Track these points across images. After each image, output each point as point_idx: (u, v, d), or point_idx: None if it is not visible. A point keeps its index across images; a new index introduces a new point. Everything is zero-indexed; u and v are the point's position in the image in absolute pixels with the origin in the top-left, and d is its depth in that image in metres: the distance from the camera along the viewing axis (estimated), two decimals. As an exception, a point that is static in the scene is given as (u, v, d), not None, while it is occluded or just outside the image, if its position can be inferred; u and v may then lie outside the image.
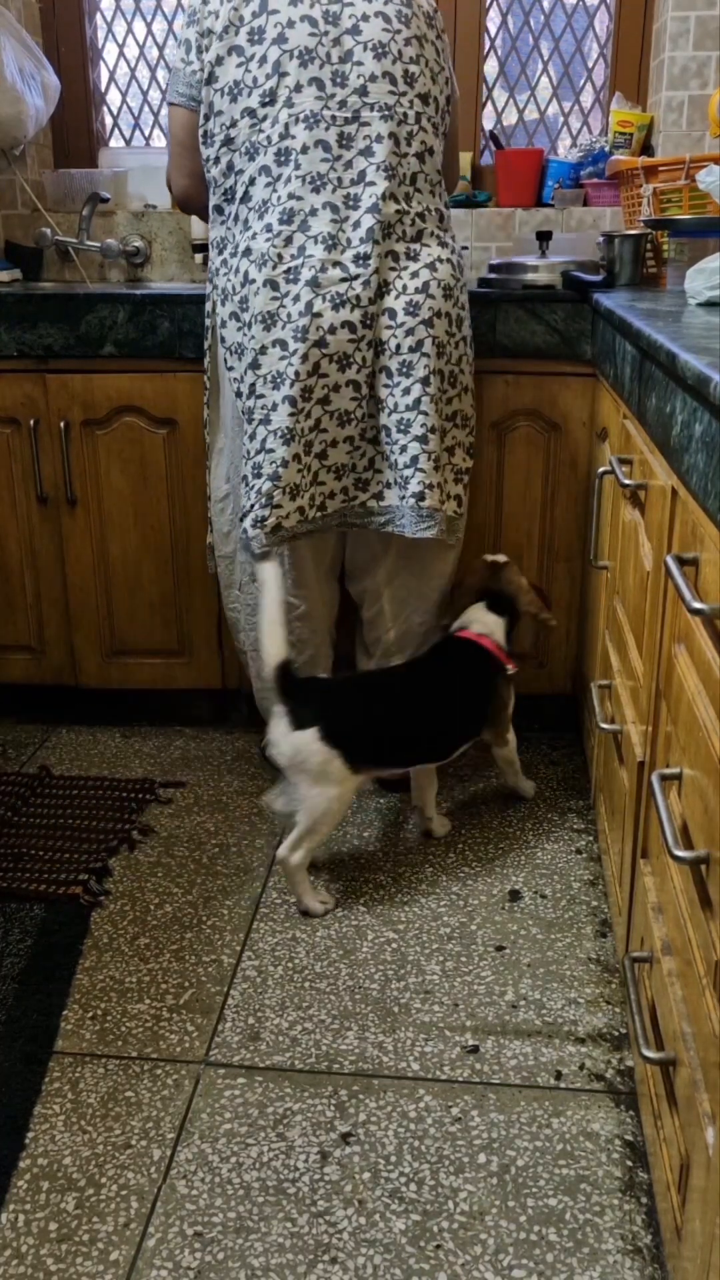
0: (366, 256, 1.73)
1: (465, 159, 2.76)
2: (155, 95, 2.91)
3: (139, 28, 2.87)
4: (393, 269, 1.76)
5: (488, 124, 2.82)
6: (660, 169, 2.21)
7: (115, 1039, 1.54)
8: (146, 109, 2.92)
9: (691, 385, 1.01)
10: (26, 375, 2.19)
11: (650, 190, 2.19)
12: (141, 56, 2.88)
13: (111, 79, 2.90)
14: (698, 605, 0.95)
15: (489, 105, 2.82)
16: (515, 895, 1.86)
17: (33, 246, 2.75)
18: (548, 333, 2.09)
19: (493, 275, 2.20)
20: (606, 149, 2.65)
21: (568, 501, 2.20)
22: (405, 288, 1.76)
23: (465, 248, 2.58)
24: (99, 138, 2.92)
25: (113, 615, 2.34)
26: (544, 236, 2.22)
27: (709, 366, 0.96)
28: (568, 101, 2.84)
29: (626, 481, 1.45)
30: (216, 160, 1.78)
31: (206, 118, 1.77)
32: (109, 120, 2.94)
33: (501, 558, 2.04)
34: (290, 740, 1.73)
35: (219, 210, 1.83)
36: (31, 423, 2.20)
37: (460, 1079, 1.46)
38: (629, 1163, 1.33)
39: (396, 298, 1.76)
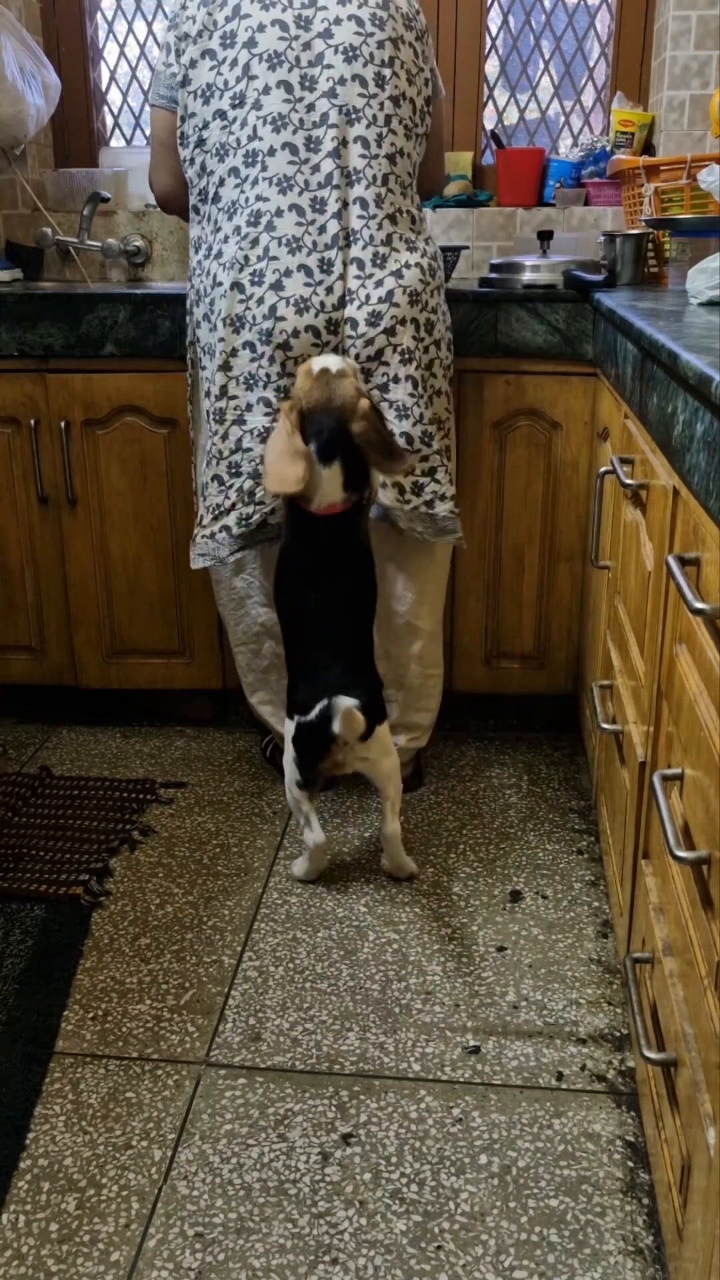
0: (331, 263, 1.74)
1: (466, 159, 2.76)
2: (156, 95, 2.90)
3: (139, 27, 2.87)
4: (357, 277, 1.75)
5: (489, 123, 2.82)
6: (661, 168, 2.21)
7: (116, 1039, 1.53)
8: (147, 108, 2.91)
9: (693, 385, 1.01)
10: (27, 375, 2.19)
11: (651, 190, 2.19)
12: (142, 56, 2.88)
13: (112, 78, 2.90)
14: (699, 605, 0.95)
15: (490, 105, 2.82)
16: (516, 896, 1.86)
17: (33, 246, 2.75)
18: (549, 332, 2.09)
19: (494, 275, 2.19)
20: (608, 148, 2.65)
21: (569, 501, 2.20)
22: (369, 297, 1.75)
23: (465, 247, 2.57)
24: (99, 137, 2.92)
25: (113, 615, 2.34)
26: (545, 236, 2.21)
27: (710, 366, 0.95)
28: (569, 101, 2.83)
29: (628, 481, 1.45)
30: (191, 161, 1.80)
31: (183, 119, 1.79)
32: (109, 120, 2.93)
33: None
34: (370, 748, 1.75)
35: (195, 210, 1.84)
36: (32, 422, 2.20)
37: (461, 1080, 1.46)
38: (630, 1163, 1.33)
39: (359, 307, 1.75)
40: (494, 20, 2.75)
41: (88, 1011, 1.59)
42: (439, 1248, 1.22)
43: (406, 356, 1.79)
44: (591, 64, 2.79)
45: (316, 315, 1.74)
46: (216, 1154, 1.35)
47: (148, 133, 2.90)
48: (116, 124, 2.94)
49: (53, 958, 1.69)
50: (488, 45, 2.75)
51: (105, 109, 2.92)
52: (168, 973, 1.67)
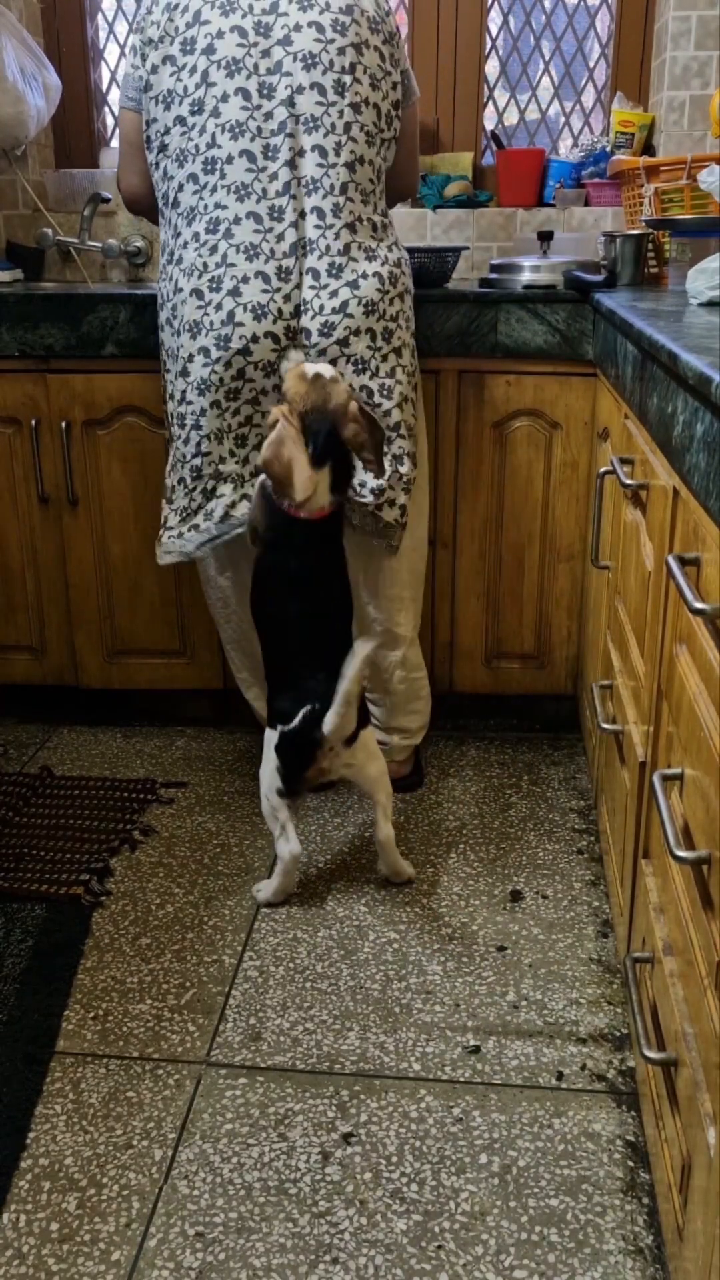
0: (289, 271, 1.74)
1: (466, 159, 2.76)
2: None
3: (140, 28, 2.87)
4: (312, 287, 1.75)
5: (489, 124, 2.82)
6: (661, 169, 2.21)
7: (116, 1039, 1.54)
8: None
9: (693, 385, 1.01)
10: (28, 375, 2.19)
11: (651, 190, 2.19)
12: (142, 56, 2.88)
13: (112, 79, 2.90)
14: (699, 605, 0.95)
15: (490, 105, 2.82)
16: (517, 895, 1.86)
17: (34, 246, 2.75)
18: (549, 333, 2.09)
19: (494, 275, 2.20)
20: (608, 149, 2.65)
21: (569, 501, 2.20)
22: (322, 308, 1.75)
23: (465, 247, 2.57)
24: (100, 138, 2.92)
25: (114, 615, 2.34)
26: (545, 236, 2.22)
27: (710, 366, 0.96)
28: (569, 101, 2.83)
29: (628, 481, 1.45)
30: (155, 165, 1.81)
31: (147, 124, 1.80)
32: (110, 120, 2.93)
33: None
34: (355, 754, 1.74)
35: (161, 214, 1.85)
36: (33, 423, 2.20)
37: (462, 1079, 1.46)
38: (630, 1163, 1.33)
39: (312, 318, 1.75)
40: (494, 20, 2.76)
41: (88, 1011, 1.59)
42: (439, 1247, 1.22)
43: (361, 366, 1.79)
44: (591, 64, 2.79)
45: (275, 322, 1.74)
46: (217, 1153, 1.35)
47: (118, 138, 2.91)
48: (117, 124, 2.94)
49: (53, 957, 1.69)
50: (488, 45, 2.75)
51: (105, 109, 2.92)
52: (168, 972, 1.67)
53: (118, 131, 1.96)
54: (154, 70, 1.75)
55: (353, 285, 1.76)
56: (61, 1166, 1.33)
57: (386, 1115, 1.40)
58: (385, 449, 1.84)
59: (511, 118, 2.86)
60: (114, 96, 2.91)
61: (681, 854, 0.98)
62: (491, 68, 2.78)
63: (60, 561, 2.30)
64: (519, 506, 2.22)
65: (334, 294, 1.75)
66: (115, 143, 2.94)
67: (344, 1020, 1.56)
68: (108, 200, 2.71)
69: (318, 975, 1.66)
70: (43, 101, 2.55)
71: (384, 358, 1.81)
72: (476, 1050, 1.51)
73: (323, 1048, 1.51)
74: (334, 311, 1.75)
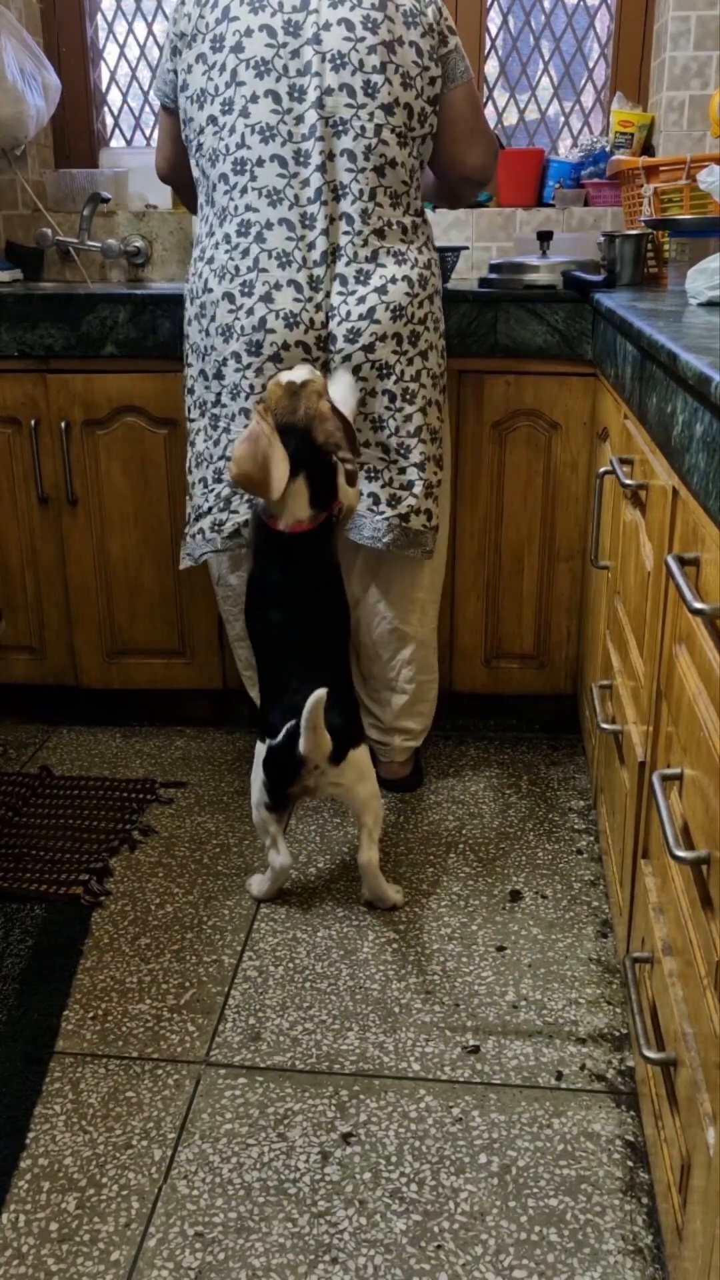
0: (319, 280, 1.74)
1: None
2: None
3: (139, 28, 2.87)
4: (339, 293, 1.75)
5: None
6: (661, 169, 2.21)
7: (116, 1039, 1.54)
8: (147, 109, 2.92)
9: (692, 385, 1.01)
10: (27, 375, 2.19)
11: (651, 190, 2.19)
12: (142, 56, 2.88)
13: (112, 79, 2.90)
14: (699, 605, 0.95)
15: (490, 105, 2.82)
16: (516, 895, 1.86)
17: (34, 246, 2.75)
18: (548, 333, 2.09)
19: (494, 275, 2.20)
20: (607, 149, 2.65)
21: (568, 501, 2.20)
22: (349, 314, 1.75)
23: (465, 247, 2.57)
24: (100, 138, 2.92)
25: (113, 615, 2.34)
26: (545, 236, 2.22)
27: (710, 366, 0.96)
28: (568, 101, 2.84)
29: (627, 481, 1.45)
30: (195, 164, 1.82)
31: (185, 124, 1.80)
32: (110, 120, 2.94)
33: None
34: (344, 773, 1.68)
35: (200, 207, 1.85)
36: (32, 423, 2.20)
37: (461, 1079, 1.46)
38: (630, 1163, 1.33)
39: (339, 324, 1.75)
40: (494, 20, 2.76)
41: (88, 1011, 1.59)
42: (439, 1247, 1.22)
43: (384, 371, 1.79)
44: (591, 64, 2.79)
45: (306, 331, 1.74)
46: (216, 1153, 1.35)
47: (148, 131, 2.92)
48: (116, 124, 2.94)
49: (53, 957, 1.69)
50: (488, 46, 2.75)
51: (105, 110, 2.92)
52: (168, 972, 1.67)
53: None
54: (188, 69, 1.75)
55: (380, 291, 1.76)
56: (61, 1166, 1.33)
57: (386, 1115, 1.40)
58: (406, 456, 1.84)
59: (511, 118, 2.86)
60: (114, 97, 2.91)
61: (681, 854, 0.98)
62: (491, 68, 2.78)
63: (60, 562, 2.30)
64: (519, 506, 2.22)
65: (361, 300, 1.75)
66: (115, 143, 2.95)
67: (343, 1020, 1.56)
68: (107, 200, 2.71)
69: (317, 975, 1.66)
70: (42, 101, 2.55)
71: (409, 361, 1.81)
72: (476, 1050, 1.51)
73: (322, 1048, 1.51)
74: (360, 318, 1.75)
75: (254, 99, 1.69)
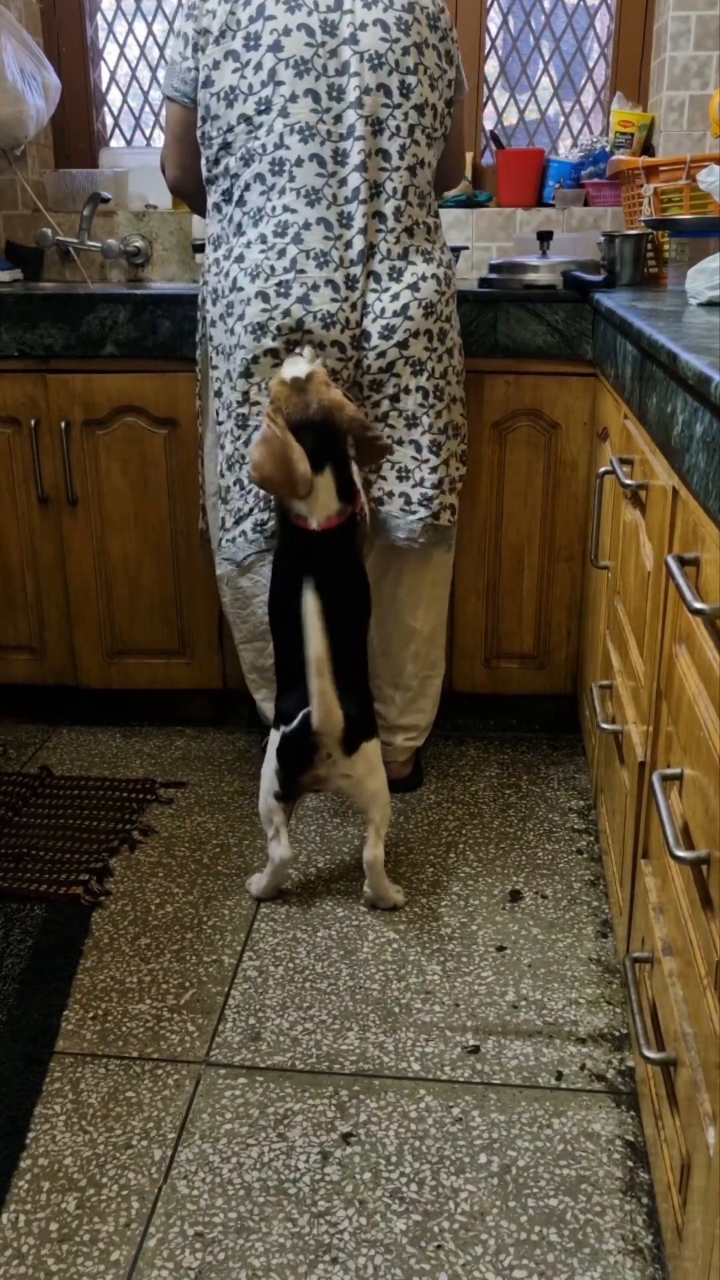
0: (356, 279, 1.75)
1: (465, 159, 2.76)
2: (156, 95, 2.91)
3: (139, 28, 2.87)
4: (373, 290, 1.77)
5: (488, 124, 2.82)
6: (661, 169, 2.21)
7: (116, 1039, 1.54)
8: (147, 109, 2.92)
9: (692, 385, 1.01)
10: (27, 375, 2.19)
11: (651, 190, 2.19)
12: (142, 56, 2.88)
13: (112, 79, 2.90)
14: (699, 605, 0.95)
15: (489, 105, 2.82)
16: (516, 895, 1.86)
17: (33, 246, 2.75)
18: (548, 333, 2.09)
19: (493, 275, 2.20)
20: (607, 149, 2.65)
21: (568, 501, 2.20)
22: (384, 310, 1.77)
23: (465, 247, 2.57)
24: (99, 138, 2.92)
25: (113, 615, 2.34)
26: (545, 236, 2.22)
27: (710, 366, 0.96)
28: (568, 101, 2.84)
29: (627, 481, 1.45)
30: (216, 161, 1.79)
31: (204, 120, 1.78)
32: (109, 120, 2.94)
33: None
34: (355, 765, 1.69)
35: (217, 208, 1.83)
36: (32, 423, 2.20)
37: (461, 1079, 1.46)
38: (630, 1163, 1.33)
39: (374, 320, 1.77)
40: (494, 20, 2.76)
41: (88, 1011, 1.59)
42: (439, 1247, 1.22)
43: (418, 367, 1.81)
44: (591, 64, 2.79)
45: (342, 331, 1.75)
46: (216, 1153, 1.35)
47: (163, 123, 2.90)
48: (116, 124, 2.94)
49: (53, 957, 1.69)
50: (487, 45, 2.75)
51: (105, 109, 2.92)
52: (168, 972, 1.67)
53: (163, 119, 1.92)
54: (215, 66, 1.73)
55: (413, 288, 1.78)
56: (61, 1166, 1.33)
57: (386, 1115, 1.40)
58: (437, 453, 1.86)
59: (511, 118, 2.86)
60: (114, 97, 2.91)
61: (681, 854, 0.98)
62: (491, 67, 2.78)
63: (60, 562, 2.30)
64: (519, 506, 2.22)
65: (395, 297, 1.77)
66: (115, 143, 2.95)
67: (343, 1020, 1.56)
68: (107, 200, 2.71)
69: (317, 975, 1.66)
70: (42, 101, 2.55)
71: (439, 358, 1.83)
72: (476, 1050, 1.51)
73: (322, 1048, 1.51)
74: (395, 314, 1.77)
75: (293, 98, 1.70)
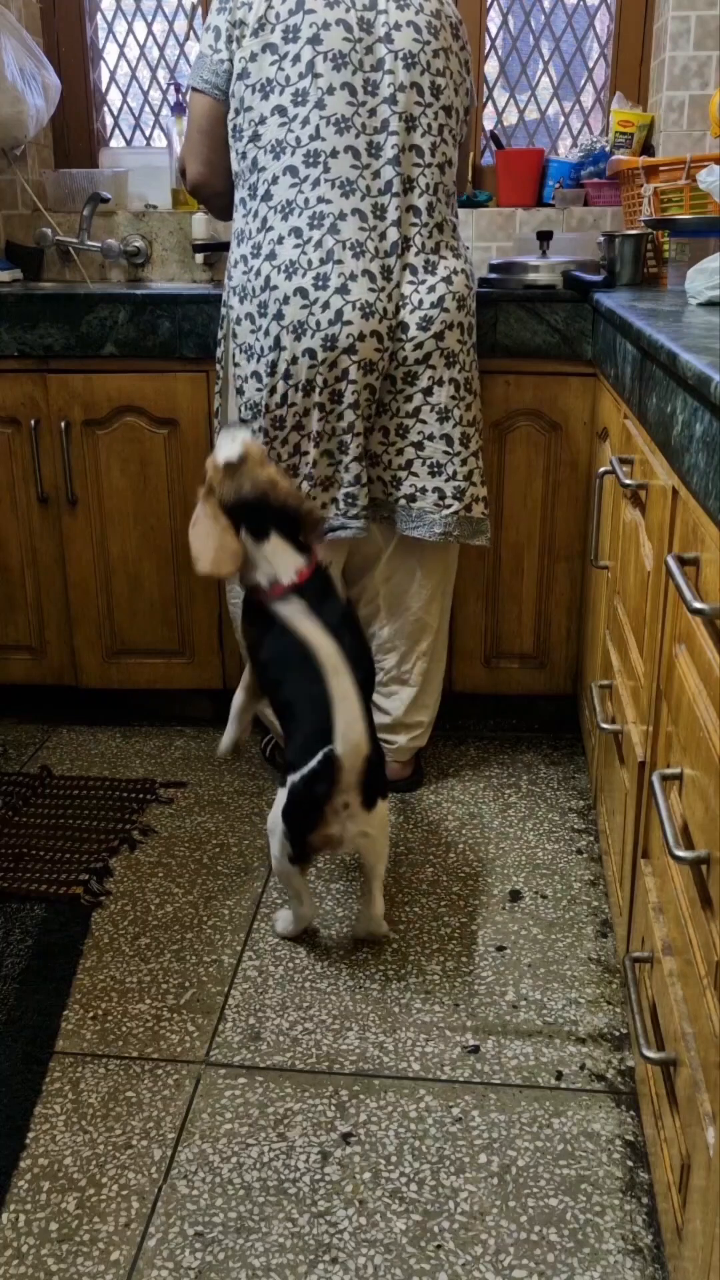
0: (391, 270, 1.77)
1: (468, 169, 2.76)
2: (156, 95, 2.91)
3: (139, 28, 2.87)
4: (410, 282, 1.80)
5: (488, 124, 2.82)
6: (661, 169, 2.21)
7: (116, 1039, 1.54)
8: (147, 109, 2.92)
9: (692, 385, 1.01)
10: (27, 375, 2.19)
11: (651, 190, 2.19)
12: (142, 56, 2.88)
13: (112, 79, 2.90)
14: (698, 605, 0.95)
15: (489, 105, 2.82)
16: (516, 895, 1.86)
17: (33, 246, 2.75)
18: (548, 332, 2.09)
19: (493, 275, 2.20)
20: (607, 149, 2.65)
21: (568, 501, 2.20)
22: (420, 302, 1.80)
23: (465, 247, 2.57)
24: (99, 138, 2.92)
25: (113, 615, 2.34)
26: (545, 236, 2.22)
27: (710, 366, 0.96)
28: (568, 101, 2.83)
29: (627, 481, 1.45)
30: (244, 155, 1.80)
31: (237, 112, 1.78)
32: (109, 120, 2.93)
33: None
34: (373, 821, 1.59)
35: (243, 203, 1.84)
36: (32, 423, 2.20)
37: (461, 1079, 1.46)
38: (630, 1163, 1.33)
39: (411, 312, 1.80)
40: (494, 20, 2.75)
41: (88, 1011, 1.59)
42: (439, 1247, 1.22)
43: (451, 360, 1.84)
44: (591, 64, 2.79)
45: (380, 321, 1.77)
46: (216, 1153, 1.35)
47: (148, 131, 2.91)
48: (116, 124, 2.94)
49: (53, 957, 1.69)
50: (487, 46, 2.75)
51: (105, 109, 2.92)
52: (168, 972, 1.67)
53: (187, 114, 1.89)
54: (251, 58, 1.74)
55: (447, 281, 1.81)
56: (61, 1166, 1.33)
57: (386, 1115, 1.40)
58: (467, 446, 1.90)
59: (511, 117, 2.86)
60: (113, 97, 2.91)
61: (680, 854, 0.98)
62: (491, 67, 2.78)
63: (59, 561, 2.30)
64: (518, 506, 2.22)
65: (431, 289, 1.80)
66: (115, 143, 2.95)
67: (343, 1020, 1.56)
68: (107, 200, 2.71)
69: (317, 975, 1.66)
70: (42, 101, 2.55)
71: (468, 351, 1.88)
72: (476, 1050, 1.51)
73: (322, 1047, 1.51)
74: (432, 306, 1.80)
75: (330, 91, 1.72)
